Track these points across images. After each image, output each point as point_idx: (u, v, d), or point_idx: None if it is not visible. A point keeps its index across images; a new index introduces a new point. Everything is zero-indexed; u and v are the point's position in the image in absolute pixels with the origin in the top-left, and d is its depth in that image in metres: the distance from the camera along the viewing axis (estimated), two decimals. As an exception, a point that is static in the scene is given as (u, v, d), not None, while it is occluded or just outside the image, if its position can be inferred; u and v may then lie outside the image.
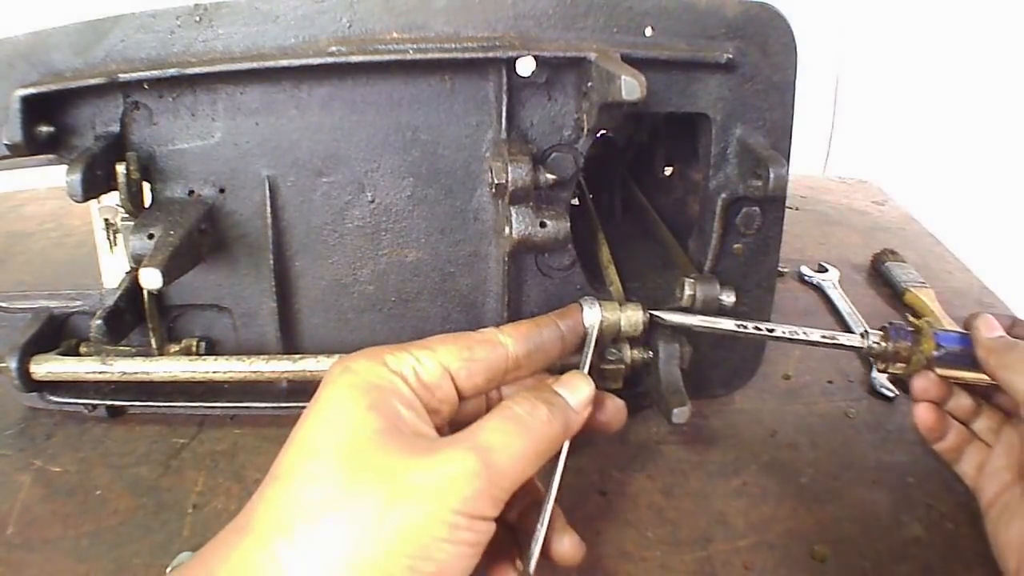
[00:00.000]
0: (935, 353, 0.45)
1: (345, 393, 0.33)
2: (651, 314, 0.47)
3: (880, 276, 0.82)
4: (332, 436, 0.32)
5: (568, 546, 0.37)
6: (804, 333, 0.47)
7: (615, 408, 0.42)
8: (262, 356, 0.51)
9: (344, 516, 0.29)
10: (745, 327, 0.47)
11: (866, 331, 0.47)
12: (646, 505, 0.49)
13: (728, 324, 0.47)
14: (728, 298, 0.50)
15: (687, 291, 0.50)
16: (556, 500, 0.36)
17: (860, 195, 1.11)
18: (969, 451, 0.47)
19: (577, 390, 0.38)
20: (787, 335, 0.46)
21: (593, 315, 0.44)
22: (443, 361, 0.36)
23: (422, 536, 0.29)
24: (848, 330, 0.69)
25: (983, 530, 0.44)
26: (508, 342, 0.38)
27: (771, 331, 0.47)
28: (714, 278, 0.50)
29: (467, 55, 0.46)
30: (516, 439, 0.33)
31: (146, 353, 0.53)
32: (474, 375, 0.37)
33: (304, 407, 0.52)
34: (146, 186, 0.50)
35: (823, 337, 0.47)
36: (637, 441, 0.55)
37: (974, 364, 0.44)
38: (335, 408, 0.33)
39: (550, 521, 0.36)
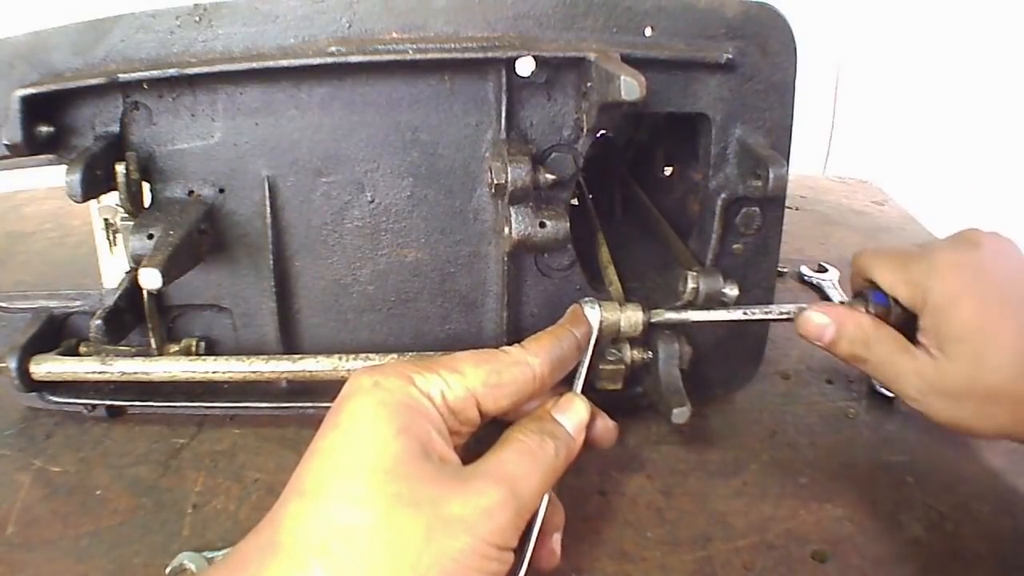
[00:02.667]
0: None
1: (375, 411, 0.33)
2: (651, 312, 0.48)
3: (880, 276, 0.82)
4: (364, 454, 0.32)
5: (543, 554, 0.39)
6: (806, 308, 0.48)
7: (605, 428, 0.42)
8: (262, 356, 0.51)
9: (385, 544, 0.30)
10: (748, 312, 0.48)
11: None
12: (645, 505, 0.49)
13: (724, 314, 0.48)
14: (732, 291, 0.49)
15: (690, 284, 0.49)
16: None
17: (860, 195, 1.11)
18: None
19: (575, 414, 0.39)
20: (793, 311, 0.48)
21: (593, 316, 0.44)
22: (470, 385, 0.36)
23: (457, 566, 0.30)
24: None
25: (983, 530, 0.44)
26: (535, 362, 0.38)
27: (782, 312, 0.48)
28: (717, 271, 0.50)
29: (467, 55, 0.46)
30: (533, 473, 0.34)
31: (146, 353, 0.53)
32: (500, 400, 0.37)
33: (304, 407, 0.54)
34: (146, 186, 0.50)
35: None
36: (637, 441, 0.55)
37: None
38: (365, 424, 0.33)
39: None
